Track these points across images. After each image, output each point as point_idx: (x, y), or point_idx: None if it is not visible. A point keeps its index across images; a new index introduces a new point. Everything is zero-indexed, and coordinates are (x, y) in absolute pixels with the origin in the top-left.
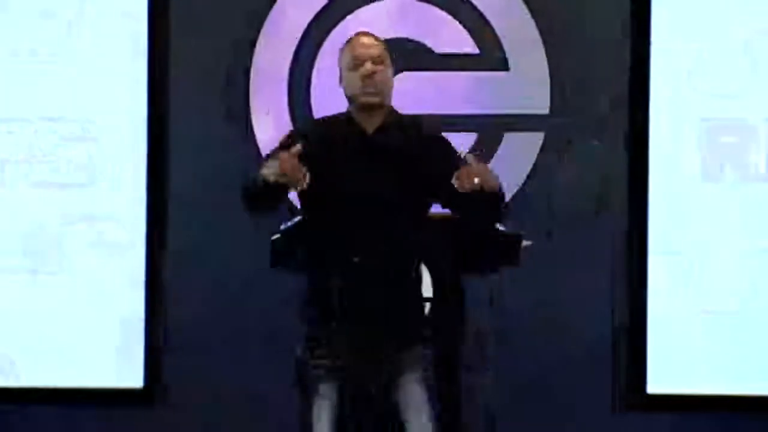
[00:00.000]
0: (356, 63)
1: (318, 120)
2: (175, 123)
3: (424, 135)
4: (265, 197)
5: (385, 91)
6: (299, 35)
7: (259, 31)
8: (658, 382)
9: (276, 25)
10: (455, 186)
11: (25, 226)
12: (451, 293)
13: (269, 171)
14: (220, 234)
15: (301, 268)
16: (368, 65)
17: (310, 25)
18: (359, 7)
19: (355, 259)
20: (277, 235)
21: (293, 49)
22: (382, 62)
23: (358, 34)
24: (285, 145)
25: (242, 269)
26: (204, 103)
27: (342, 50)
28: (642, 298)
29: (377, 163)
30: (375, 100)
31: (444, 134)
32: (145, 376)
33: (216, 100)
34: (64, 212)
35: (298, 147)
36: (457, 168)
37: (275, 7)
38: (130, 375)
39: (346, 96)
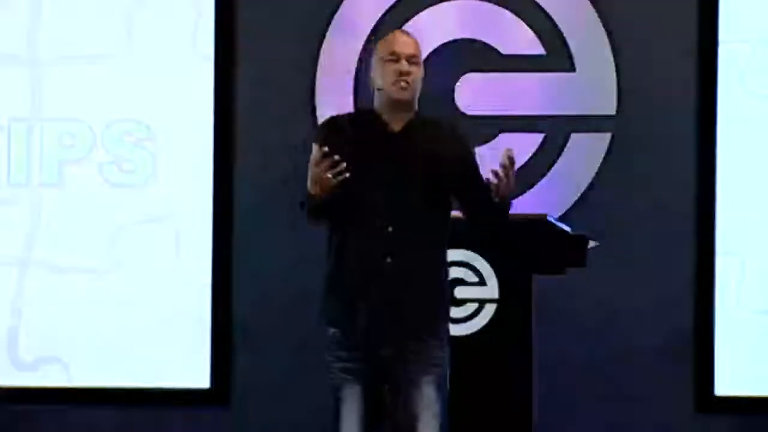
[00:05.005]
0: (393, 58)
1: (343, 116)
2: (241, 122)
3: (447, 136)
4: (322, 210)
5: (415, 91)
6: (367, 34)
7: (327, 29)
8: (725, 385)
9: (344, 24)
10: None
11: (98, 224)
12: (519, 294)
13: (310, 185)
14: (287, 233)
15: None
16: (404, 63)
17: (377, 24)
18: (427, 6)
19: (388, 260)
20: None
21: (360, 47)
22: (417, 63)
23: (396, 31)
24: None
25: (310, 268)
26: (270, 100)
27: (378, 43)
28: (710, 300)
29: (401, 161)
30: (406, 96)
31: (464, 134)
32: (212, 377)
33: (282, 96)
34: (130, 212)
35: (317, 151)
36: (474, 169)
37: (343, 5)
38: (197, 375)
39: (376, 88)
